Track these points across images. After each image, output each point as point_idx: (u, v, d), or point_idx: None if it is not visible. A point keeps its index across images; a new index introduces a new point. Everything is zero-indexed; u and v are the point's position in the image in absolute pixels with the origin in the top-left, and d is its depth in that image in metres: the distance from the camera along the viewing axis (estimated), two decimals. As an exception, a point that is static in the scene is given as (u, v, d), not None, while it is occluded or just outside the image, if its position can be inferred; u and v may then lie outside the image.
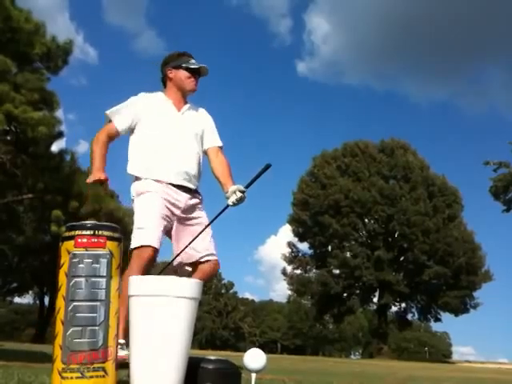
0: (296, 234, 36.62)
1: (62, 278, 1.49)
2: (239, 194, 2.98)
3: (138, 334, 1.44)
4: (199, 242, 3.01)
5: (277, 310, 66.91)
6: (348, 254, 35.20)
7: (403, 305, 37.73)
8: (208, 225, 3.05)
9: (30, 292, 36.10)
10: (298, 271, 37.85)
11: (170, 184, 3.03)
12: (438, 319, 37.20)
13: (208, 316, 59.42)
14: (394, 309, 38.30)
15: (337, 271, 35.50)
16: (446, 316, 36.60)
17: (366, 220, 34.93)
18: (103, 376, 1.46)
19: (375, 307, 37.63)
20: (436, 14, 68.23)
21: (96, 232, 1.51)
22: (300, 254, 38.01)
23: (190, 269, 3.15)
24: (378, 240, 34.79)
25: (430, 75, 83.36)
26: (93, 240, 1.50)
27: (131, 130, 3.12)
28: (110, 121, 3.06)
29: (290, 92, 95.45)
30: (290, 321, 62.52)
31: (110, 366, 1.48)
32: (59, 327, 1.46)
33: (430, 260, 33.35)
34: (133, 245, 2.89)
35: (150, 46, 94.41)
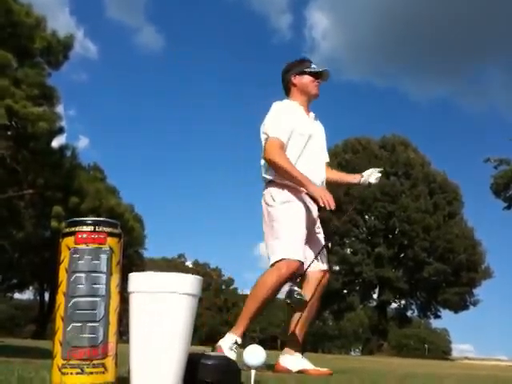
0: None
1: (63, 274, 1.49)
2: (378, 174, 3.24)
3: (138, 330, 1.44)
4: (315, 251, 3.13)
5: (277, 306, 67.01)
6: (348, 251, 35.26)
7: (403, 301, 37.83)
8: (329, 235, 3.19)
9: (31, 288, 36.19)
10: (298, 268, 37.87)
11: (307, 194, 3.10)
12: (437, 316, 37.29)
13: (208, 312, 59.52)
14: (393, 305, 38.39)
15: (337, 268, 35.54)
16: (445, 313, 36.68)
17: (367, 216, 34.95)
18: (103, 372, 1.46)
19: (375, 304, 37.67)
20: (437, 13, 68.18)
21: (96, 228, 1.50)
22: (300, 251, 38.02)
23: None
24: (378, 237, 34.82)
25: (431, 73, 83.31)
26: (93, 236, 1.49)
27: None
28: (273, 137, 3.09)
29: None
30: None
31: (109, 362, 1.48)
32: (59, 323, 1.46)
33: (430, 257, 33.40)
34: (283, 255, 2.93)
35: (150, 41, 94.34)
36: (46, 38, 9.17)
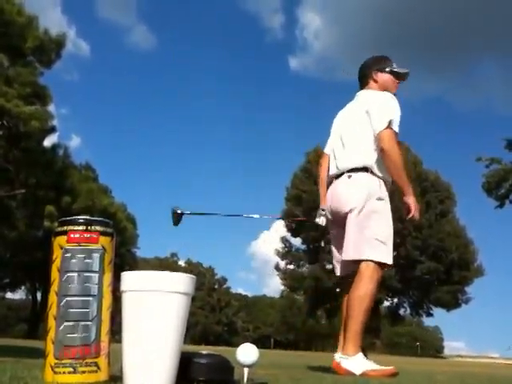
0: (289, 229, 36.64)
1: (55, 273, 1.49)
2: None
3: (131, 329, 1.44)
4: None
5: (270, 305, 67.04)
6: (341, 250, 35.26)
7: (395, 300, 37.88)
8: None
9: (23, 287, 35.97)
10: (291, 266, 37.88)
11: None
12: (429, 314, 37.38)
13: (201, 311, 59.44)
14: (386, 304, 38.46)
15: (330, 266, 35.59)
16: (437, 311, 36.79)
17: (359, 215, 34.95)
18: (96, 371, 1.46)
19: (368, 302, 37.69)
20: (430, 11, 68.35)
21: (88, 227, 1.50)
22: (293, 250, 38.04)
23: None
24: (370, 235, 34.82)
25: (424, 71, 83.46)
26: (85, 235, 1.49)
27: None
28: (395, 131, 3.03)
29: (284, 87, 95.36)
30: (283, 316, 62.65)
31: (102, 360, 1.48)
32: (52, 322, 1.46)
33: (422, 255, 33.47)
34: (383, 259, 2.94)
35: (142, 40, 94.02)
36: (38, 37, 9.11)
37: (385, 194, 3.06)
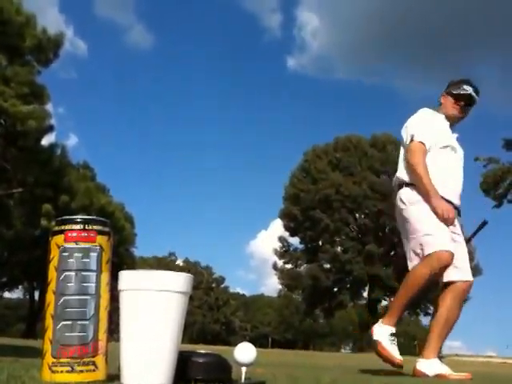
0: (287, 228, 36.68)
1: (52, 273, 1.49)
2: None
3: (128, 328, 1.44)
4: (460, 260, 3.17)
5: (268, 304, 67.04)
6: (339, 249, 35.31)
7: (393, 299, 37.95)
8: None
9: (20, 287, 35.92)
10: (289, 266, 37.95)
11: (449, 202, 3.17)
12: (427, 313, 37.45)
13: (199, 310, 59.44)
14: (384, 303, 38.51)
15: (327, 266, 35.61)
16: (435, 310, 36.84)
17: (357, 215, 35.03)
18: (93, 370, 1.47)
19: (365, 301, 37.79)
20: (427, 10, 68.46)
21: (86, 226, 1.50)
22: (291, 249, 38.09)
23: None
24: (368, 234, 34.90)
25: (422, 71, 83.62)
26: (83, 234, 1.49)
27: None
28: (417, 141, 3.19)
29: (281, 87, 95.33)
30: (281, 315, 62.65)
31: (100, 359, 1.49)
32: (49, 321, 1.46)
33: (420, 255, 33.51)
34: (431, 249, 3.02)
35: (140, 40, 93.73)
36: (36, 36, 9.11)
37: (416, 197, 3.17)
